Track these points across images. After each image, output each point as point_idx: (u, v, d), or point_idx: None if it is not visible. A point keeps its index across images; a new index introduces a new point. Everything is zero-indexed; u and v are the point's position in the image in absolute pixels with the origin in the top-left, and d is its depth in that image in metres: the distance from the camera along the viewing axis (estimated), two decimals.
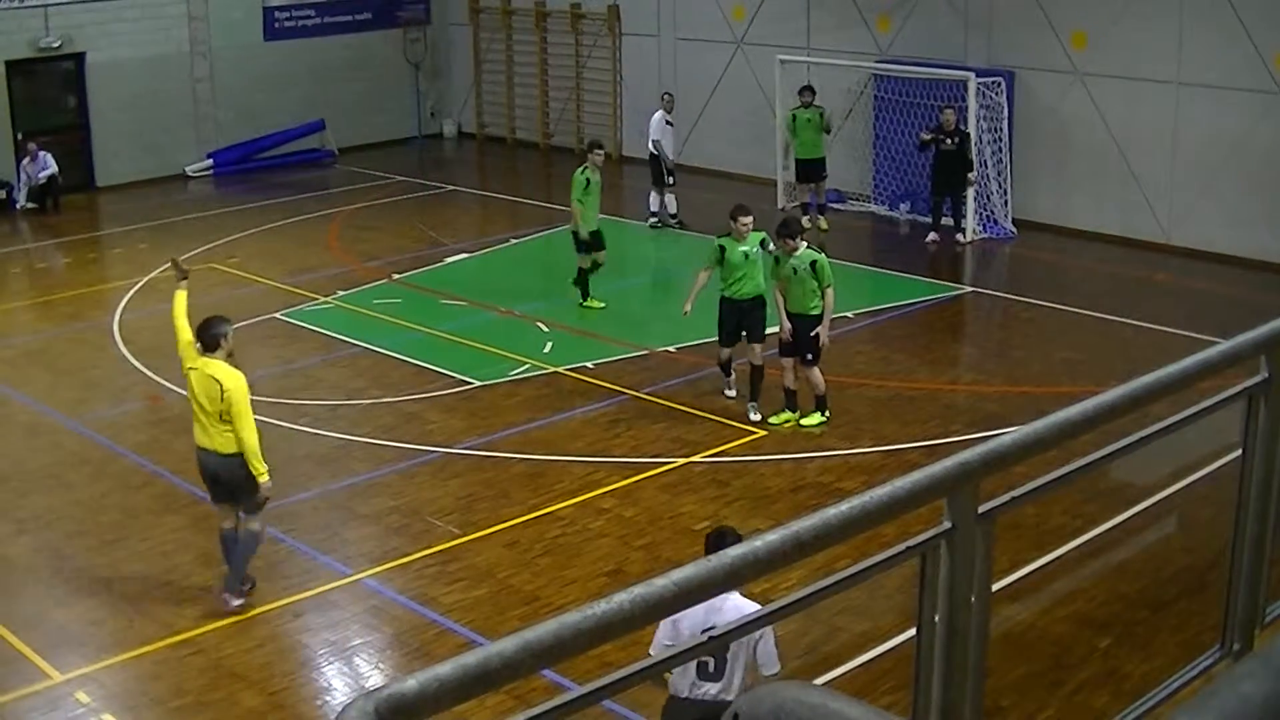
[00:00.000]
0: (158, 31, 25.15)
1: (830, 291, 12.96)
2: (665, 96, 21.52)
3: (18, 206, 23.28)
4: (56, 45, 23.97)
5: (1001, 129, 20.11)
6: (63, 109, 24.90)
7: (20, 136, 23.65)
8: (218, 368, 9.82)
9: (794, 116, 20.69)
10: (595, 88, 26.51)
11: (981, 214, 20.20)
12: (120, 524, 11.67)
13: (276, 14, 26.59)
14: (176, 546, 11.24)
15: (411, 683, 2.19)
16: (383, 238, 21.11)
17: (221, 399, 9.71)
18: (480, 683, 2.26)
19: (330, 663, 9.66)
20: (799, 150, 20.80)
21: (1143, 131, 19.28)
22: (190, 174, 25.63)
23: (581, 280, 17.04)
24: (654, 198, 20.95)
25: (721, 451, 12.83)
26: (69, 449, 13.38)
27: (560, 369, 15.04)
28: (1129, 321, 16.23)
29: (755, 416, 13.39)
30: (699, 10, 24.28)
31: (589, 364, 15.18)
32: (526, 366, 15.11)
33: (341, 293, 18.07)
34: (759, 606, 6.40)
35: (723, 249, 13.35)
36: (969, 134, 19.42)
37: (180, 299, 10.29)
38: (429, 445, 13.15)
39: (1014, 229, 20.27)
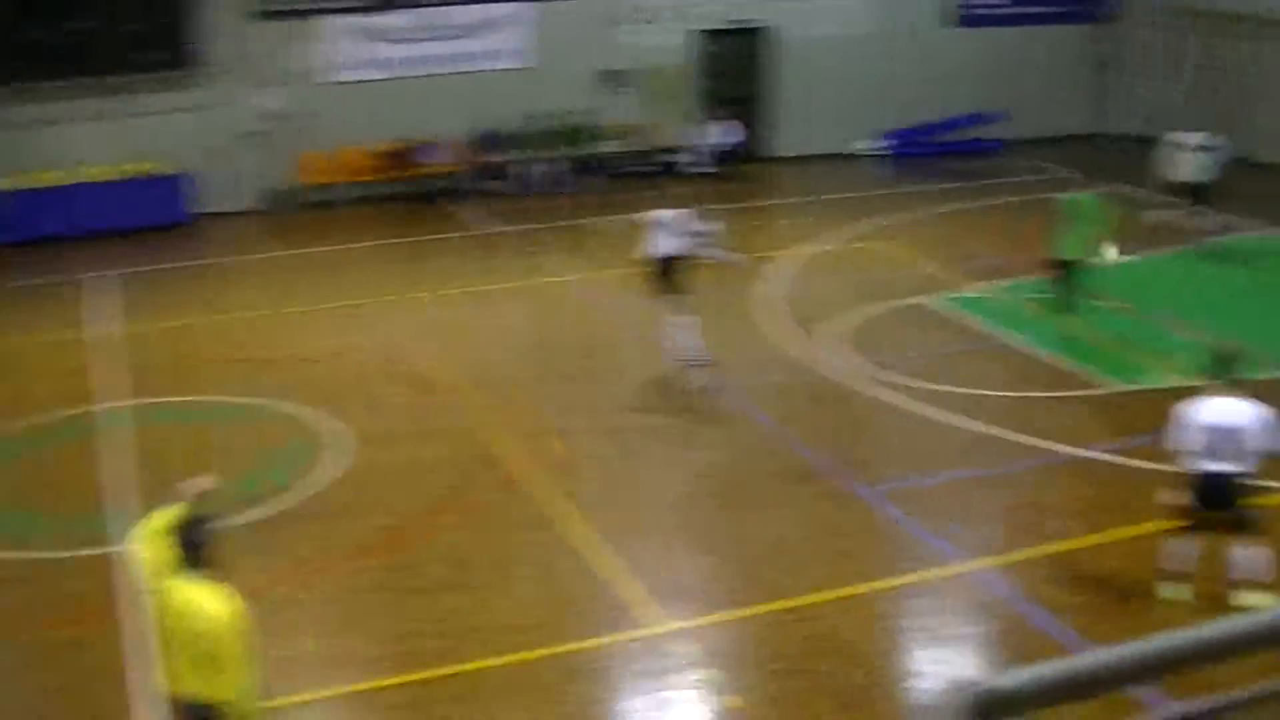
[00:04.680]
0: (847, 11, 25.91)
1: None
2: None
3: (692, 171, 24.65)
4: (746, 20, 25.30)
5: None
6: (749, 80, 26.15)
7: (712, 105, 25.22)
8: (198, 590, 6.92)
9: None
10: None
11: None
12: (757, 491, 12.05)
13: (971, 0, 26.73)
14: (792, 524, 11.42)
15: (1013, 678, 2.13)
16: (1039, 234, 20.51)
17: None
18: (1081, 689, 2.15)
19: (925, 649, 9.57)
20: None
21: None
22: (860, 152, 26.23)
23: None
24: None
25: None
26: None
27: None
28: None
29: None
30: None
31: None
32: (1172, 378, 14.10)
33: (993, 283, 17.81)
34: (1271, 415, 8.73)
35: None
36: None
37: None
38: (1057, 444, 12.71)
39: None
